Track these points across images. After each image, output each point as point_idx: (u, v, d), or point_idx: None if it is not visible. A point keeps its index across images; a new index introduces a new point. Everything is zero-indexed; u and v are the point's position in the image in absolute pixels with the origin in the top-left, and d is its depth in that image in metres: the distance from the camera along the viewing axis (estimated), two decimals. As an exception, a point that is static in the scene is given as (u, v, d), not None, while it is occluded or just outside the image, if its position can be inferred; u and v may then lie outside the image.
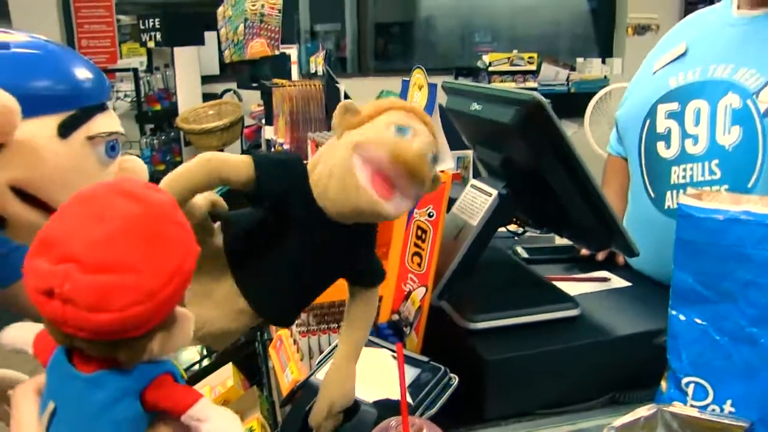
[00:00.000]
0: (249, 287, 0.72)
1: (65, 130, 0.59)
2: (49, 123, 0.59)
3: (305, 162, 0.72)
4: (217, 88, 5.27)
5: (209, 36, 4.86)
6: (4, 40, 0.60)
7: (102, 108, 0.64)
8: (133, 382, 0.53)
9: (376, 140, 0.65)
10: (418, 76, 1.31)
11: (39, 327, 0.58)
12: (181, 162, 4.96)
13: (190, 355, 2.05)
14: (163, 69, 5.36)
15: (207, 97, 4.94)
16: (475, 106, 1.12)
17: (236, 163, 0.68)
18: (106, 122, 0.63)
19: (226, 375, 1.53)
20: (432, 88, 1.30)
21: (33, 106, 0.56)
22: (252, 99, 4.44)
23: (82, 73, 0.62)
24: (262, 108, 3.24)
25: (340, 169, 0.66)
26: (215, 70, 5.47)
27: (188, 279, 0.52)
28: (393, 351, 1.01)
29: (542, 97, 0.94)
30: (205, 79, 5.09)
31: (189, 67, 4.75)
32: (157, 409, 0.53)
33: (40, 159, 0.58)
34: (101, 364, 0.52)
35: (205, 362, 1.74)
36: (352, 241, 0.73)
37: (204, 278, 0.71)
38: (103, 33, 5.75)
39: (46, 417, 0.54)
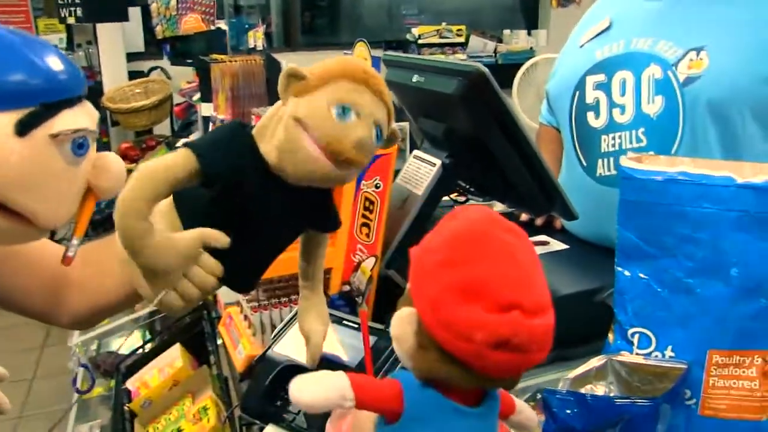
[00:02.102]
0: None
1: (23, 128, 0.55)
2: (5, 120, 0.54)
3: (249, 127, 0.71)
4: (144, 65, 5.13)
5: (133, 11, 4.71)
6: None
7: (71, 103, 0.59)
8: (497, 404, 0.57)
9: (316, 124, 0.65)
10: (361, 50, 1.33)
11: (335, 377, 0.56)
12: (108, 143, 4.84)
13: (133, 340, 2.04)
14: (86, 46, 5.17)
15: (133, 75, 4.80)
16: (417, 78, 1.14)
17: (171, 164, 0.66)
18: (73, 118, 0.59)
19: (174, 356, 1.52)
20: (376, 61, 1.32)
21: None
22: (181, 76, 4.34)
23: (47, 66, 0.57)
24: (193, 84, 3.18)
25: (288, 144, 0.66)
26: (140, 47, 5.32)
27: None
28: (345, 320, 1.03)
29: (485, 68, 0.97)
30: (131, 57, 4.94)
31: (113, 44, 4.57)
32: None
33: None
34: (475, 396, 0.56)
35: (148, 346, 1.72)
36: (310, 199, 0.73)
37: None
38: (15, 7, 5.46)
39: None
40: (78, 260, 0.98)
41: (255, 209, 0.69)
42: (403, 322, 0.55)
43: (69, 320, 0.98)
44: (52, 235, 4.45)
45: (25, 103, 0.55)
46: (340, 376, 0.55)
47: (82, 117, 0.60)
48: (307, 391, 0.54)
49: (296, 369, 0.96)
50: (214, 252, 0.70)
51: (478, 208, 0.57)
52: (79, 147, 0.59)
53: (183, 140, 3.14)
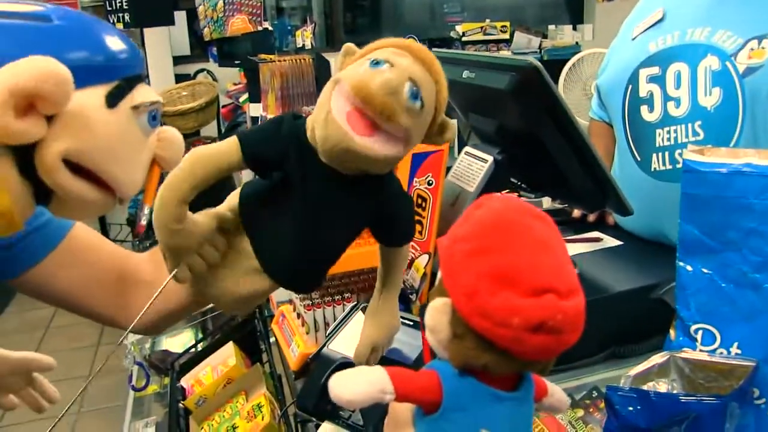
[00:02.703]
0: (265, 255, 0.72)
1: (113, 99, 0.59)
2: (97, 93, 0.59)
3: (302, 118, 0.71)
4: (190, 68, 5.21)
5: (178, 15, 4.80)
6: (42, 10, 0.59)
7: (140, 78, 0.63)
8: (532, 388, 0.58)
9: (347, 75, 0.64)
10: (410, 47, 1.32)
11: (374, 372, 0.55)
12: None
13: (186, 339, 2.08)
14: (134, 50, 5.28)
15: (179, 77, 4.88)
16: (468, 74, 1.13)
17: (221, 149, 0.68)
18: (147, 92, 0.63)
19: (227, 354, 1.55)
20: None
21: (81, 77, 0.55)
22: (227, 77, 4.40)
23: (121, 44, 0.62)
24: (239, 86, 3.21)
25: (320, 106, 0.66)
26: (186, 51, 5.42)
27: None
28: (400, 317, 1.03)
29: (538, 62, 0.97)
30: (177, 60, 5.03)
31: (160, 47, 4.68)
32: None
33: (91, 129, 0.57)
34: (512, 381, 0.56)
35: (201, 345, 1.75)
36: (361, 194, 0.71)
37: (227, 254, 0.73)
38: (65, 13, 5.63)
39: None
40: (148, 264, 0.99)
41: (303, 196, 0.69)
42: (437, 312, 0.55)
43: (137, 324, 1.00)
44: (106, 235, 4.55)
45: (110, 78, 0.60)
46: (378, 370, 0.55)
47: (152, 91, 0.64)
48: (346, 387, 0.54)
49: (352, 366, 0.96)
50: (267, 248, 0.72)
51: (503, 197, 0.57)
52: (153, 119, 0.63)
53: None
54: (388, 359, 0.94)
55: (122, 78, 0.60)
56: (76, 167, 0.58)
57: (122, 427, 1.80)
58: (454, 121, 0.77)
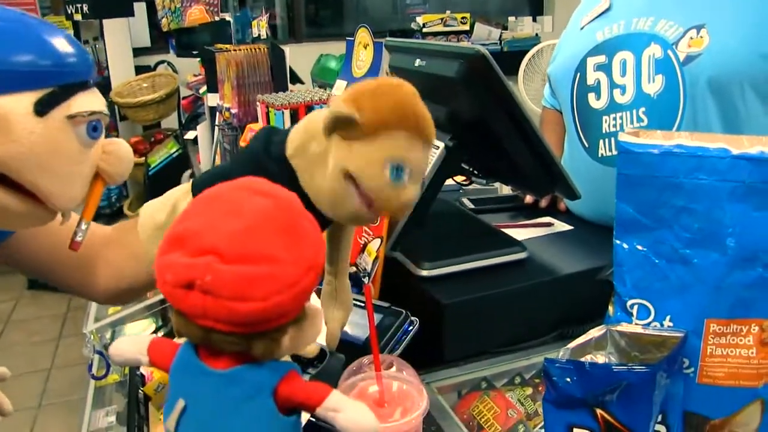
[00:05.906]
0: None
1: (42, 107, 0.55)
2: (25, 99, 0.55)
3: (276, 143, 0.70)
4: (150, 60, 5.16)
5: (138, 7, 4.74)
6: None
7: (84, 86, 0.60)
8: (266, 377, 0.53)
9: (368, 181, 0.63)
10: (363, 35, 1.34)
11: (146, 338, 0.57)
12: (117, 137, 4.87)
13: (145, 327, 2.07)
14: (92, 42, 5.20)
15: (140, 69, 4.82)
16: (419, 63, 1.15)
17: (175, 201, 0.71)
18: (88, 101, 0.59)
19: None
20: (378, 46, 1.33)
21: (8, 81, 0.53)
22: (187, 69, 4.36)
23: (63, 48, 0.58)
24: (200, 77, 3.20)
25: (332, 193, 0.65)
26: (146, 42, 5.35)
27: (320, 273, 0.53)
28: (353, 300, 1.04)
29: (485, 50, 0.99)
30: (137, 52, 4.97)
31: (120, 39, 4.60)
32: (289, 405, 0.53)
33: (14, 137, 0.54)
34: (233, 361, 0.52)
35: (160, 333, 1.75)
36: None
37: None
38: (22, 5, 5.53)
39: (175, 415, 0.53)
40: (111, 241, 0.99)
41: None
42: None
43: (103, 297, 1.01)
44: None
45: (43, 85, 0.56)
46: (146, 338, 0.58)
47: (95, 100, 0.60)
48: (114, 346, 0.58)
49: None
50: None
51: (247, 178, 0.56)
52: (94, 129, 0.60)
53: (191, 132, 3.16)
54: (341, 340, 0.96)
55: (58, 85, 0.57)
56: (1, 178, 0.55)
57: (83, 417, 1.79)
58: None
